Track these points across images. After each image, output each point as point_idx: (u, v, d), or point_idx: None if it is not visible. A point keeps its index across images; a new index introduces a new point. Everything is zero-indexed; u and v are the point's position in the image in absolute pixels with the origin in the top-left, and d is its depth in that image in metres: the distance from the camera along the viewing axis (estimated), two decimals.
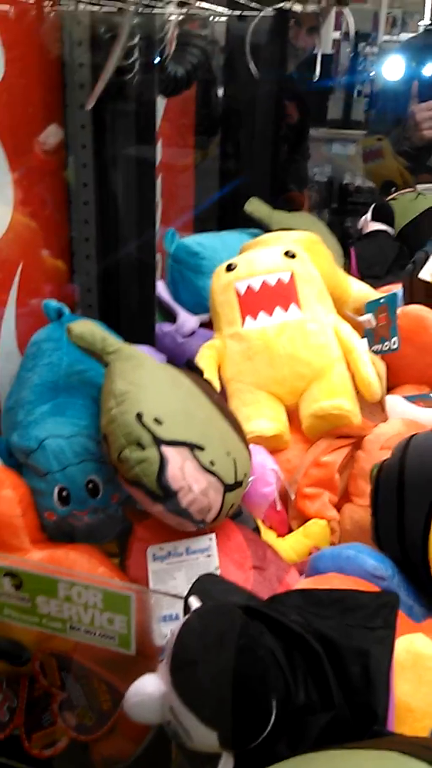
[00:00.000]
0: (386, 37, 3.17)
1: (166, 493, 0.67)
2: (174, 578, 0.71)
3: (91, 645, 0.67)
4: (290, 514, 0.89)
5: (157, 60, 1.17)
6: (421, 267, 1.22)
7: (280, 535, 0.86)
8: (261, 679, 0.47)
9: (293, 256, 1.00)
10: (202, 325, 1.16)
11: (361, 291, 1.13)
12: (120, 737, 0.73)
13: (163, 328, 1.16)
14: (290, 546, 0.84)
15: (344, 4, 1.74)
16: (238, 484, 0.74)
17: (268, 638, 0.52)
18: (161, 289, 1.21)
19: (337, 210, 2.26)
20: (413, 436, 0.74)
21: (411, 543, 0.70)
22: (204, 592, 0.56)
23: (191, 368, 0.85)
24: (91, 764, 0.75)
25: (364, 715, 0.55)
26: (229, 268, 1.00)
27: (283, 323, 0.95)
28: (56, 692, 0.73)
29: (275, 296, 0.97)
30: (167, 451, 0.68)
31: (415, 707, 0.58)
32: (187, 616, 0.51)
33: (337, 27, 2.88)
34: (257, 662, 0.48)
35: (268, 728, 0.47)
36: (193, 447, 0.70)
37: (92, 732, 0.72)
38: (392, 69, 1.97)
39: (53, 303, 0.87)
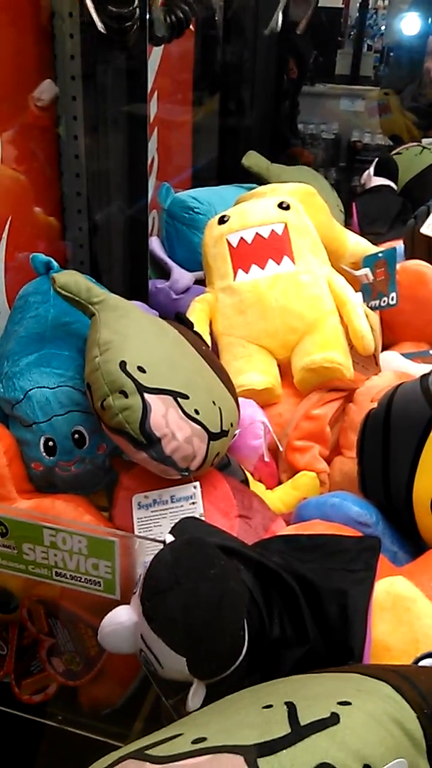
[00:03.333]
0: None
1: (149, 441, 0.67)
2: (159, 525, 0.71)
3: (77, 591, 0.68)
4: (280, 467, 0.89)
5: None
6: (423, 222, 1.19)
7: (270, 487, 0.86)
8: (230, 608, 0.48)
9: (287, 208, 0.98)
10: (197, 282, 1.15)
11: (358, 245, 1.11)
12: (108, 681, 0.74)
13: (156, 284, 1.15)
14: (279, 498, 0.83)
15: None
16: (223, 433, 0.73)
17: (244, 574, 0.53)
18: (156, 245, 1.19)
19: (345, 168, 2.21)
20: (399, 385, 0.73)
21: (395, 489, 0.69)
22: (183, 532, 0.56)
23: (181, 321, 0.85)
24: (80, 708, 0.76)
25: (341, 652, 0.55)
26: (222, 220, 0.98)
27: (275, 275, 0.93)
28: (44, 639, 0.74)
29: (268, 249, 0.95)
30: (150, 399, 0.67)
31: (393, 646, 0.58)
32: (160, 549, 0.52)
33: None
34: (226, 591, 0.48)
35: (240, 658, 0.48)
36: (177, 395, 0.69)
37: (80, 677, 0.73)
38: (406, 24, 1.92)
39: (41, 256, 0.86)
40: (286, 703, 0.39)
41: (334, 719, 0.37)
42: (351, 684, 0.42)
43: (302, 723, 0.37)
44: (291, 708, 0.38)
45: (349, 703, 0.38)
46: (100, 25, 0.99)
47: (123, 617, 0.51)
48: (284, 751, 0.35)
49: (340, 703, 0.38)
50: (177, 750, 0.37)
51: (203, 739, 0.37)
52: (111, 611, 0.53)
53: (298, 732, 0.36)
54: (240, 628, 0.48)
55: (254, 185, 1.26)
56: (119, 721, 0.74)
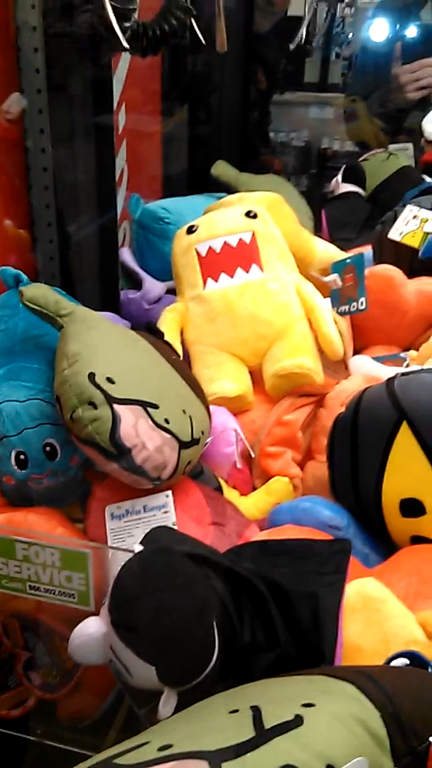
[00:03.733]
0: None
1: (119, 451, 0.67)
2: (132, 536, 0.71)
3: (51, 604, 0.68)
4: (254, 473, 0.89)
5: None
6: (390, 227, 1.21)
7: (244, 493, 0.87)
8: (198, 616, 0.48)
9: (255, 216, 0.99)
10: (169, 291, 1.16)
11: (327, 251, 1.12)
12: (86, 694, 0.74)
13: (128, 295, 1.15)
14: (253, 504, 0.84)
15: None
16: (194, 442, 0.74)
17: (214, 581, 0.53)
18: (127, 255, 1.20)
19: (316, 175, 2.23)
20: (366, 389, 0.74)
21: (365, 492, 0.70)
22: (153, 541, 0.57)
23: (151, 331, 0.85)
24: (59, 721, 0.76)
25: (312, 655, 0.56)
26: (190, 230, 0.99)
27: (244, 284, 0.94)
28: (20, 653, 0.74)
29: (236, 257, 0.96)
30: (120, 409, 0.68)
31: (364, 647, 0.58)
32: (128, 559, 0.52)
33: None
34: (194, 599, 0.49)
35: (210, 665, 0.48)
36: (146, 405, 0.70)
37: (57, 690, 0.73)
38: (374, 31, 1.95)
39: (10, 270, 0.86)
40: (251, 707, 0.40)
41: (297, 721, 0.38)
42: (316, 686, 0.43)
43: (266, 726, 0.38)
44: (256, 712, 0.39)
45: (312, 705, 0.39)
46: (124, 43, 0.99)
47: (92, 628, 0.52)
48: (248, 754, 0.36)
49: (304, 705, 0.39)
50: (144, 758, 0.37)
51: (169, 746, 0.37)
52: (80, 624, 0.54)
53: (262, 735, 0.37)
54: (209, 635, 0.49)
55: (224, 194, 1.28)
56: (97, 733, 0.74)
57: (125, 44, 0.94)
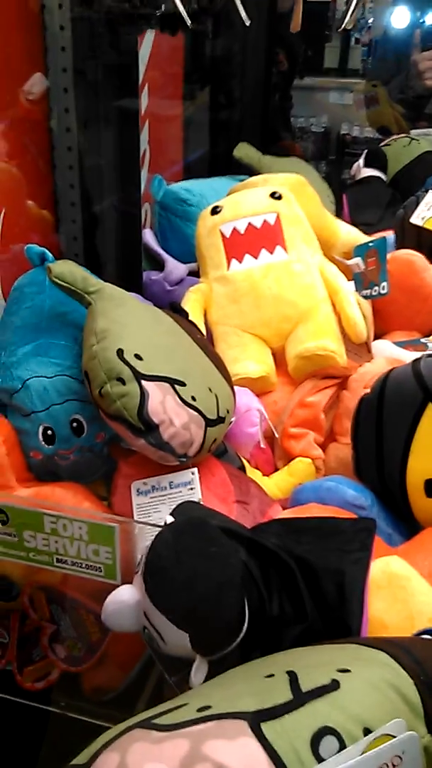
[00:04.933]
0: None
1: (147, 427, 0.67)
2: (158, 511, 0.72)
3: (77, 577, 0.69)
4: (276, 454, 0.90)
5: None
6: (412, 212, 1.21)
7: (266, 474, 0.87)
8: (230, 584, 0.49)
9: (279, 198, 0.98)
10: (191, 273, 1.16)
11: (349, 234, 1.12)
12: (110, 667, 0.75)
13: (151, 276, 1.15)
14: (275, 483, 0.85)
15: None
16: (220, 420, 0.74)
17: (242, 554, 0.54)
18: (149, 237, 1.20)
19: (336, 160, 2.22)
20: (391, 369, 0.74)
21: (389, 472, 0.71)
22: (183, 514, 0.58)
23: (175, 311, 0.85)
24: (83, 694, 0.77)
25: (338, 630, 0.57)
26: (215, 210, 0.99)
27: (268, 264, 0.94)
28: (46, 625, 0.75)
29: (261, 238, 0.96)
30: (148, 385, 0.68)
31: (389, 623, 0.59)
32: (161, 529, 0.53)
33: None
34: (227, 567, 0.49)
35: (241, 634, 0.49)
36: (173, 382, 0.70)
37: (82, 663, 0.74)
38: (394, 17, 1.93)
39: (36, 247, 0.86)
40: (287, 672, 0.40)
41: (334, 685, 0.38)
42: (349, 653, 0.43)
43: (303, 690, 0.38)
44: (292, 676, 0.40)
45: (348, 671, 0.40)
46: (187, 20, 0.99)
47: (126, 596, 0.52)
48: (287, 715, 0.36)
49: (340, 671, 0.40)
50: (183, 718, 0.38)
51: (208, 707, 0.38)
52: (114, 592, 0.54)
53: (300, 698, 0.38)
54: (240, 604, 0.49)
55: (245, 176, 1.27)
56: (122, 706, 0.75)
57: (188, 22, 0.94)
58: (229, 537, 0.56)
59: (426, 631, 0.58)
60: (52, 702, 0.78)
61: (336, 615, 0.57)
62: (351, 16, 0.89)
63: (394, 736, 0.37)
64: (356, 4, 0.86)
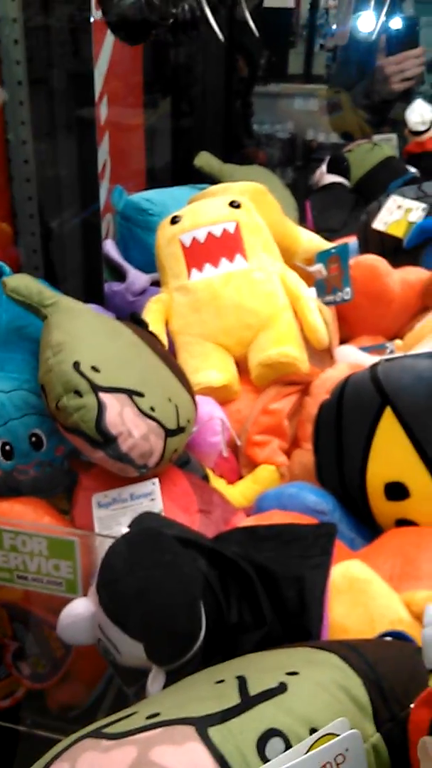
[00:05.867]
0: None
1: (105, 439, 0.67)
2: (119, 523, 0.71)
3: (39, 593, 0.68)
4: (241, 462, 0.90)
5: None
6: (375, 217, 1.22)
7: (231, 482, 0.87)
8: (184, 593, 0.49)
9: (238, 206, 0.99)
10: (154, 283, 1.16)
11: (311, 241, 1.13)
12: (75, 683, 0.75)
13: (113, 287, 1.15)
14: (240, 492, 0.85)
15: None
16: (180, 430, 0.74)
17: (200, 563, 0.54)
18: (111, 248, 1.19)
19: (302, 166, 2.24)
20: (350, 375, 0.75)
21: (350, 477, 0.71)
22: (139, 525, 0.57)
23: (136, 321, 0.85)
24: (49, 711, 0.76)
25: (299, 636, 0.57)
26: (174, 220, 0.99)
27: (228, 273, 0.94)
28: (9, 643, 0.74)
29: (221, 247, 0.96)
30: (105, 397, 0.68)
31: (350, 627, 0.59)
32: (115, 540, 0.53)
33: None
34: (181, 577, 0.49)
35: (197, 644, 0.49)
36: (132, 393, 0.70)
37: (47, 679, 0.74)
38: (359, 22, 1.95)
39: None
40: (237, 677, 0.41)
41: (281, 688, 0.39)
42: (300, 656, 0.44)
43: (251, 693, 0.39)
44: (241, 681, 0.40)
45: (296, 673, 0.40)
46: (220, 35, 0.99)
47: (80, 608, 0.52)
48: (234, 719, 0.37)
49: (288, 673, 0.40)
50: (132, 726, 0.38)
51: (157, 714, 0.38)
52: (69, 605, 0.54)
53: (247, 702, 0.38)
54: (195, 613, 0.49)
55: (208, 185, 1.28)
56: (88, 722, 0.74)
57: (221, 36, 0.94)
58: (187, 546, 0.56)
59: (387, 634, 0.59)
60: (19, 720, 0.77)
61: (296, 622, 0.57)
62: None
63: (338, 735, 0.37)
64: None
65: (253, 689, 0.39)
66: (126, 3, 0.98)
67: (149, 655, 0.48)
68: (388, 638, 0.58)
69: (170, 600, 0.48)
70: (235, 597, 0.55)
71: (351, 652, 0.43)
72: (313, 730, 0.37)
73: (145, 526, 0.54)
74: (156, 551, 0.50)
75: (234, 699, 0.38)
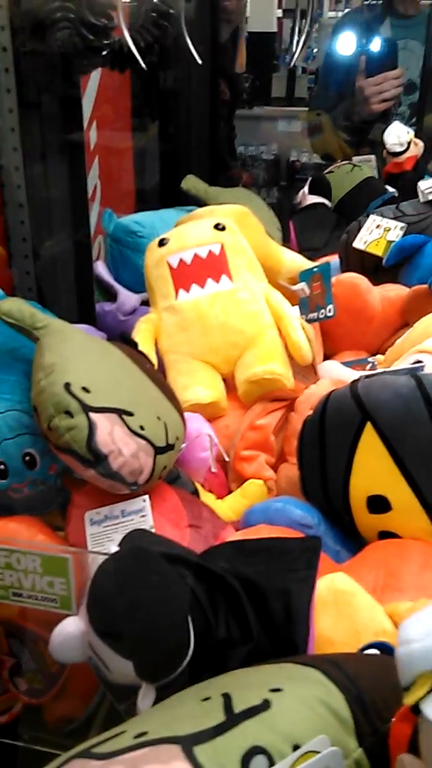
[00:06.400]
0: (331, 14, 3.18)
1: (96, 458, 0.69)
2: (111, 540, 0.73)
3: (34, 609, 0.69)
4: (230, 476, 0.92)
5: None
6: (355, 236, 1.26)
7: (220, 497, 0.89)
8: (172, 612, 0.50)
9: (223, 229, 1.02)
10: (144, 303, 1.18)
11: (293, 261, 1.16)
12: (71, 697, 0.76)
13: (104, 307, 1.18)
14: (229, 506, 0.87)
15: None
16: (169, 447, 0.76)
17: (189, 579, 0.56)
18: (102, 269, 1.22)
19: (286, 186, 2.28)
20: (332, 391, 0.77)
21: (333, 490, 0.73)
22: (129, 543, 0.59)
23: (125, 341, 0.88)
24: (46, 726, 0.77)
25: (286, 649, 0.59)
26: (162, 243, 1.02)
27: (214, 294, 0.97)
28: (5, 659, 0.75)
29: (207, 268, 0.99)
30: (96, 417, 0.70)
31: (336, 640, 0.61)
32: (104, 560, 0.54)
33: (279, 5, 2.88)
34: (168, 595, 0.51)
35: (185, 660, 0.50)
36: (121, 412, 0.72)
37: (43, 694, 0.75)
38: (338, 45, 2.00)
39: None
40: (222, 694, 0.42)
41: (265, 705, 0.40)
42: (283, 672, 0.45)
43: (236, 711, 0.40)
44: (226, 698, 0.41)
45: (280, 690, 0.42)
46: (141, 63, 1.02)
47: (71, 627, 0.54)
48: (218, 737, 0.38)
49: (272, 690, 0.41)
50: (120, 745, 0.39)
51: (144, 734, 0.39)
52: (60, 624, 0.56)
53: (232, 719, 0.39)
54: (183, 630, 0.51)
55: (195, 207, 1.31)
56: (84, 736, 0.75)
57: (143, 65, 0.97)
58: (175, 563, 0.58)
59: (371, 645, 0.61)
60: (17, 736, 0.78)
61: (283, 635, 0.59)
62: (297, 55, 0.94)
63: (319, 752, 0.38)
64: (302, 44, 0.91)
65: (238, 707, 0.40)
66: (60, 36, 1.02)
67: (138, 672, 0.49)
68: (373, 650, 0.60)
69: (158, 619, 0.50)
70: (223, 612, 0.57)
71: (332, 666, 0.45)
72: (296, 747, 0.38)
73: (134, 545, 0.56)
74: (144, 570, 0.52)
75: (219, 717, 0.39)
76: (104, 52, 1.11)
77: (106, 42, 1.08)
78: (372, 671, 0.47)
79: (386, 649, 0.60)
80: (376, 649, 0.60)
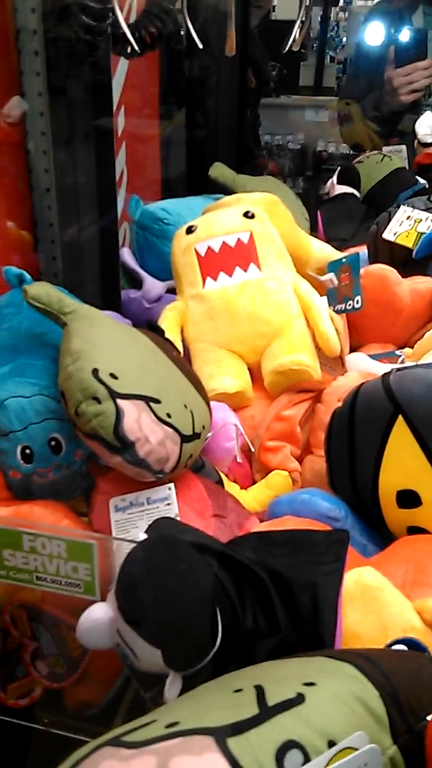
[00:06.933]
0: (360, 2, 3.13)
1: (123, 445, 0.69)
2: (136, 527, 0.73)
3: (58, 594, 0.69)
4: (254, 467, 0.91)
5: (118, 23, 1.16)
6: (385, 227, 1.24)
7: (244, 487, 0.89)
8: (201, 600, 0.50)
9: (252, 217, 1.01)
10: (169, 291, 1.18)
11: (322, 251, 1.14)
12: (92, 682, 0.76)
13: (129, 294, 1.17)
14: (253, 497, 0.86)
15: None
16: (196, 436, 0.76)
17: (216, 569, 0.55)
18: (127, 256, 1.22)
19: (313, 177, 2.26)
20: (362, 384, 0.76)
21: (362, 484, 0.72)
22: (156, 531, 0.59)
23: (152, 329, 0.87)
24: (66, 710, 0.78)
25: (312, 642, 0.58)
26: (189, 230, 1.01)
27: (243, 282, 0.96)
28: (27, 643, 0.75)
29: (235, 256, 0.98)
30: (123, 404, 0.69)
31: (363, 634, 0.60)
32: (133, 547, 0.54)
33: None
34: (197, 584, 0.50)
35: (213, 650, 0.50)
36: (149, 400, 0.72)
37: (64, 679, 0.75)
38: (368, 35, 1.97)
39: (13, 269, 0.88)
40: (255, 686, 0.41)
41: (299, 699, 0.39)
42: (316, 666, 0.45)
43: (270, 704, 0.39)
44: (259, 690, 0.41)
45: (314, 684, 0.41)
46: (136, 46, 1.02)
47: (99, 613, 0.53)
48: (252, 730, 0.37)
49: (306, 684, 0.41)
50: (151, 735, 0.39)
51: (176, 723, 0.39)
52: (87, 610, 0.55)
53: (266, 712, 0.39)
54: (212, 619, 0.50)
55: (221, 195, 1.30)
56: (104, 721, 0.75)
57: (136, 47, 0.96)
58: (202, 552, 0.57)
59: (398, 641, 0.60)
60: (35, 719, 0.78)
61: (310, 628, 0.58)
62: (295, 38, 0.93)
63: (357, 749, 0.38)
64: (302, 29, 0.89)
65: (271, 699, 0.39)
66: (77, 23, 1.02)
67: (166, 660, 0.49)
68: (401, 645, 0.59)
69: (187, 607, 0.49)
70: (250, 603, 0.57)
71: (366, 662, 0.44)
72: (331, 743, 0.37)
73: (162, 533, 0.55)
74: (172, 559, 0.51)
75: (252, 709, 0.39)
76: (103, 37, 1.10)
77: (103, 25, 1.07)
78: (406, 668, 0.46)
79: (415, 646, 0.60)
80: (404, 645, 0.59)
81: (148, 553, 0.51)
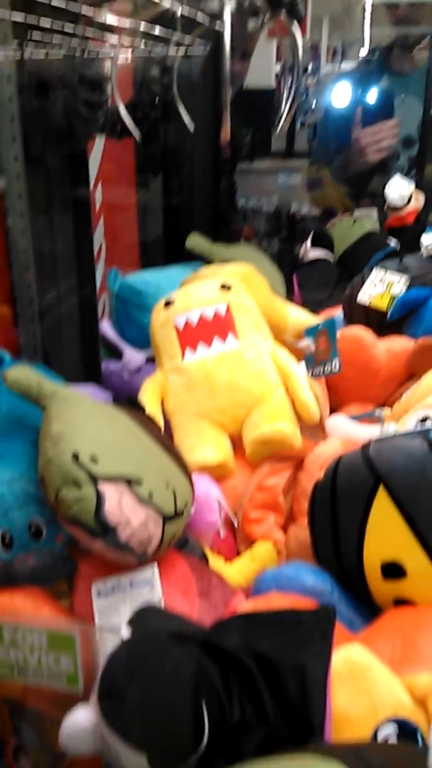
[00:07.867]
0: (328, 68, 3.27)
1: (104, 529, 0.68)
2: (119, 612, 0.71)
3: (40, 687, 0.67)
4: (238, 538, 0.91)
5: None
6: (358, 290, 1.27)
7: (229, 559, 0.88)
8: (186, 703, 0.49)
9: (229, 288, 1.03)
10: (149, 360, 1.19)
11: (298, 318, 1.16)
12: None
13: (110, 366, 1.18)
14: (238, 570, 0.85)
15: (297, 17, 1.64)
16: (178, 515, 0.75)
17: (202, 659, 0.54)
18: (107, 327, 1.23)
19: (287, 238, 2.31)
20: (342, 456, 0.77)
21: (346, 556, 0.72)
22: (139, 623, 0.58)
23: (132, 404, 0.87)
24: None
25: (302, 730, 0.56)
26: (167, 303, 1.03)
27: (221, 354, 0.98)
28: (9, 739, 0.72)
29: (213, 328, 1.00)
30: (104, 487, 0.69)
31: (353, 716, 0.59)
32: (114, 647, 0.53)
33: (278, 58, 2.97)
34: (181, 686, 0.49)
35: (200, 750, 0.48)
36: (130, 481, 0.72)
37: None
38: (336, 98, 2.05)
39: None
40: None
41: None
42: (306, 765, 0.43)
43: None
44: None
45: None
46: (136, 133, 1.05)
47: (81, 718, 0.52)
48: None
49: None
50: None
51: None
52: (70, 714, 0.54)
53: None
54: (198, 720, 0.49)
55: (199, 262, 1.33)
56: None
57: (137, 135, 1.00)
58: (187, 642, 0.56)
59: (389, 721, 0.58)
60: None
61: (299, 714, 0.57)
62: (284, 120, 0.97)
63: None
64: (288, 110, 0.94)
65: None
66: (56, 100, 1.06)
67: (152, 764, 0.47)
68: (392, 725, 0.58)
69: (172, 712, 0.48)
70: (237, 692, 0.55)
71: (354, 758, 0.43)
72: None
73: (145, 630, 0.54)
74: (156, 659, 0.50)
75: None
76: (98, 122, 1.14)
77: (99, 113, 1.11)
78: (398, 762, 0.45)
79: (405, 726, 0.58)
80: (396, 724, 0.58)
81: (131, 653, 0.50)
